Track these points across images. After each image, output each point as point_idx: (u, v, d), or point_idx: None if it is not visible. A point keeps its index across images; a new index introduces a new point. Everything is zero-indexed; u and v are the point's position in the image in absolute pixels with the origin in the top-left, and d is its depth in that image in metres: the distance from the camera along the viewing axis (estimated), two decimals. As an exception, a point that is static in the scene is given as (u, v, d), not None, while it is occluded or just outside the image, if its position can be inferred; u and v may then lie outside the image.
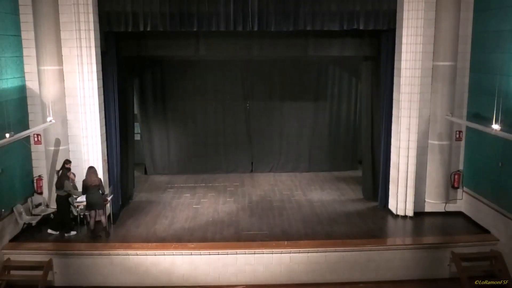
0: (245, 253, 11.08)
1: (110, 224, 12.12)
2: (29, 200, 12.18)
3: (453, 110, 12.48)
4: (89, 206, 11.55)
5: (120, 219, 12.79)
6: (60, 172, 11.67)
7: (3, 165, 11.10)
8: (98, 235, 11.66)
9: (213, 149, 17.40)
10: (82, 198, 11.85)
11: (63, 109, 12.09)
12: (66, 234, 11.72)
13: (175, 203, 14.23)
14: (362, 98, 15.35)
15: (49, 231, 11.79)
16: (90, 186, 11.40)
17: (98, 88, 12.04)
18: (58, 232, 11.78)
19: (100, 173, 11.95)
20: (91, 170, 11.57)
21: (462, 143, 12.98)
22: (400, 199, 12.88)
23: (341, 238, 11.70)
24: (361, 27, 12.43)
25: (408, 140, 12.58)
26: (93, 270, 11.01)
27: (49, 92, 11.81)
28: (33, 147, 12.28)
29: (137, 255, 11.01)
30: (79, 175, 11.90)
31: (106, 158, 12.65)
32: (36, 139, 12.18)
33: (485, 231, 11.97)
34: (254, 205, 14.04)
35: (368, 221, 12.79)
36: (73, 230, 11.85)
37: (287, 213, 13.39)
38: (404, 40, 12.21)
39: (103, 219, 11.73)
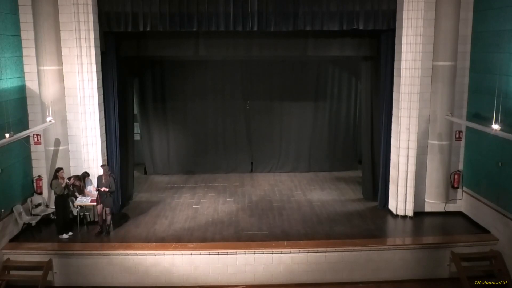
0: (245, 253, 11.08)
1: (110, 224, 12.11)
2: (28, 200, 12.17)
3: (453, 110, 12.49)
4: (99, 201, 11.75)
5: (120, 219, 12.78)
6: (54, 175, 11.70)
7: (3, 165, 11.10)
8: (100, 231, 11.77)
9: (213, 149, 17.40)
10: (82, 199, 11.90)
11: (62, 109, 12.10)
12: (59, 236, 11.66)
13: (175, 203, 14.23)
14: (362, 98, 15.35)
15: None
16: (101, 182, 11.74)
17: (97, 88, 12.05)
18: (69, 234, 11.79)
19: (100, 173, 11.94)
20: (102, 167, 11.86)
21: (462, 143, 12.98)
22: (400, 199, 12.88)
23: (341, 238, 11.71)
24: (361, 27, 12.44)
25: (408, 140, 12.57)
26: (93, 270, 11.01)
27: (49, 92, 11.82)
28: (33, 147, 12.28)
29: (136, 255, 11.01)
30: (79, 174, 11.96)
31: (106, 158, 12.65)
32: (35, 139, 12.18)
33: (484, 231, 11.97)
34: (254, 205, 14.03)
35: (368, 221, 12.79)
36: (65, 233, 11.69)
37: (287, 213, 13.38)
38: (404, 40, 12.21)
39: (108, 217, 11.83)
